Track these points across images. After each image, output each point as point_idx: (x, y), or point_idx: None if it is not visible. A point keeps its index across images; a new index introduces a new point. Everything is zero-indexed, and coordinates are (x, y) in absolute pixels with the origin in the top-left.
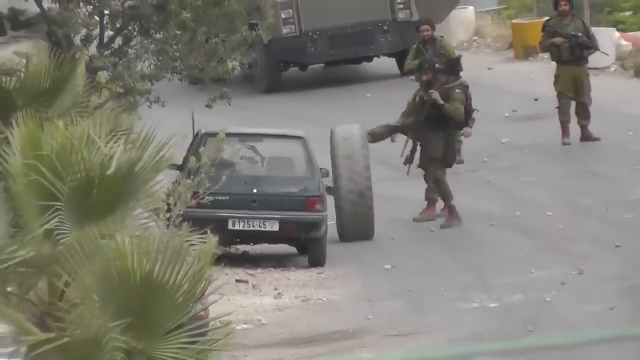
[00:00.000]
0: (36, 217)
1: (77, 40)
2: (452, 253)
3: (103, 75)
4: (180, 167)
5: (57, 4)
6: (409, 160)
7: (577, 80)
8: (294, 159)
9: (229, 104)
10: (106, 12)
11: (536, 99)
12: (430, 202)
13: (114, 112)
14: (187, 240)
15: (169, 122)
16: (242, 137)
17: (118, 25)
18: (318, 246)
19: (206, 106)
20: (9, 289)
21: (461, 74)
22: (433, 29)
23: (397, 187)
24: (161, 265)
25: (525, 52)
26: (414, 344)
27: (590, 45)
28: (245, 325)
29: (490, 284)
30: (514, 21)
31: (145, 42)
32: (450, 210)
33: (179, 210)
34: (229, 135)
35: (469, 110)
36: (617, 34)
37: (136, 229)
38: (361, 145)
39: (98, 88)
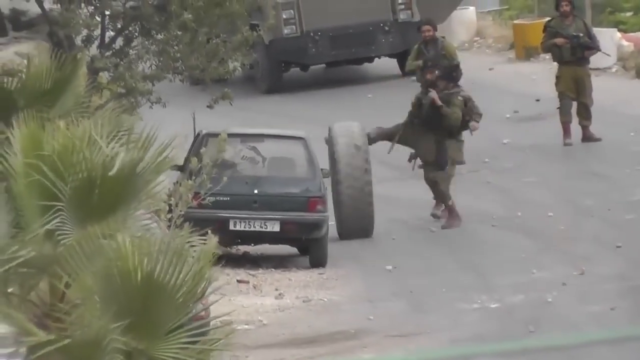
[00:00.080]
0: (37, 218)
1: (78, 41)
2: (453, 253)
3: (104, 76)
4: (181, 168)
5: (59, 5)
6: (413, 157)
7: (579, 80)
8: (295, 160)
9: (231, 104)
10: (107, 12)
11: (538, 100)
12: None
13: (115, 112)
14: (188, 241)
15: (170, 122)
16: (244, 137)
17: (119, 26)
18: (319, 247)
19: (207, 107)
20: (10, 290)
21: (462, 80)
22: (435, 29)
23: (397, 188)
24: (162, 266)
25: (526, 53)
26: (415, 345)
27: (591, 45)
28: (246, 326)
29: (492, 284)
30: (515, 22)
31: (147, 42)
32: (449, 210)
33: (181, 211)
34: (230, 135)
35: (467, 121)
36: (619, 34)
37: (138, 229)
38: (361, 142)
39: (99, 89)
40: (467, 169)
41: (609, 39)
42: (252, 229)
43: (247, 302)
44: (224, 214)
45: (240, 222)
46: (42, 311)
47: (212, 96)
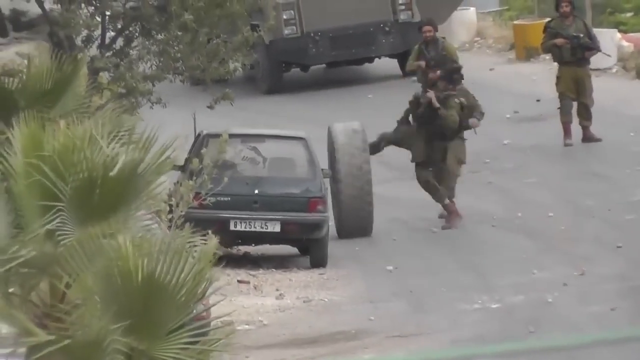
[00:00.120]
0: (38, 218)
1: (78, 41)
2: (454, 254)
3: (105, 76)
4: (182, 168)
5: (59, 5)
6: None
7: (579, 81)
8: (296, 160)
9: (232, 104)
10: (108, 13)
11: (538, 100)
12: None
13: (115, 112)
14: (189, 242)
15: (171, 123)
16: (244, 138)
17: (119, 26)
18: (320, 247)
19: (208, 107)
20: (10, 290)
21: (463, 81)
22: (435, 29)
23: (397, 188)
24: (163, 266)
25: (526, 53)
26: (416, 345)
27: (591, 46)
28: (246, 326)
29: (492, 285)
30: (515, 22)
31: (147, 43)
32: (449, 210)
33: (181, 212)
34: (230, 136)
35: (465, 126)
36: (619, 35)
37: (138, 230)
38: (361, 140)
39: (100, 89)
40: (468, 170)
41: (609, 39)
42: (253, 229)
43: (248, 303)
44: (224, 214)
45: (240, 223)
46: (42, 311)
47: (213, 96)
